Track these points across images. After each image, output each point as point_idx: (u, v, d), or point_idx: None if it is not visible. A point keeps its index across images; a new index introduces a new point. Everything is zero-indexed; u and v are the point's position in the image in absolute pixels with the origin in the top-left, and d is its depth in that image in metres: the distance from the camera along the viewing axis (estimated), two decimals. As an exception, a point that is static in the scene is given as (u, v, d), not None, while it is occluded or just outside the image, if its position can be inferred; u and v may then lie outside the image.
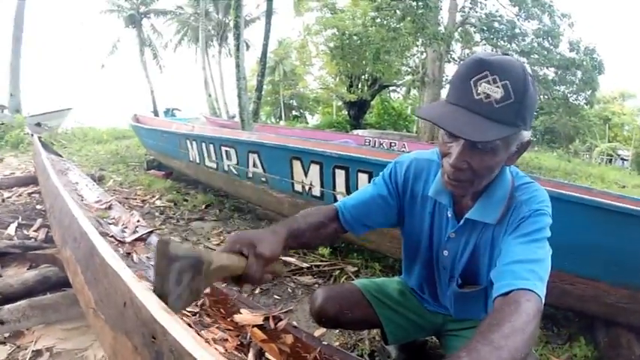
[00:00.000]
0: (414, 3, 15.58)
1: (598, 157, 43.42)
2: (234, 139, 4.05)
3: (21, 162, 7.37)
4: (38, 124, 11.69)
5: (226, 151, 4.11)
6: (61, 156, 6.66)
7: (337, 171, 2.99)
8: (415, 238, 1.40)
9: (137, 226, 3.41)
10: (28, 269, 2.83)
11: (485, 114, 0.96)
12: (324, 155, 3.06)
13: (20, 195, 4.91)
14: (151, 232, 3.28)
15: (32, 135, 8.77)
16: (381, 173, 1.41)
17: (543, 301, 0.96)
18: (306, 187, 3.31)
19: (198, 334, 1.66)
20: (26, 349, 2.02)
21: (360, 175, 2.85)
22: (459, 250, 1.30)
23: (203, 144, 4.50)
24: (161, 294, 0.90)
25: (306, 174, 3.25)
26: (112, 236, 3.11)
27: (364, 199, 1.37)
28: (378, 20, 17.63)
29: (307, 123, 33.09)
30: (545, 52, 17.90)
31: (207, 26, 24.63)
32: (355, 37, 17.33)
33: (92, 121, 15.34)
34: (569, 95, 20.27)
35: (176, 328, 0.82)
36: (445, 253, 1.33)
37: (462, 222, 1.25)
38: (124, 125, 15.11)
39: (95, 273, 1.41)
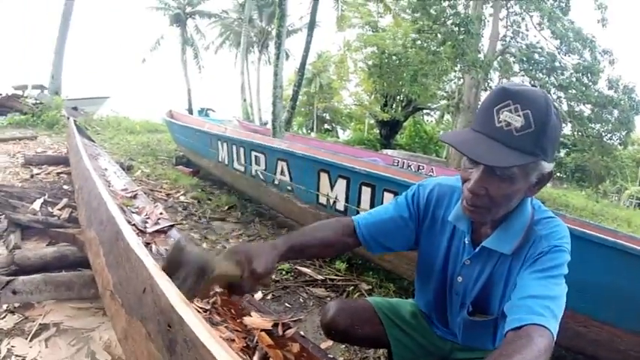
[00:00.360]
0: (456, 28, 15.56)
1: (627, 200, 42.29)
2: (265, 145, 4.05)
3: (54, 142, 7.58)
4: (75, 108, 11.96)
5: (256, 156, 4.13)
6: (93, 141, 6.80)
7: (364, 188, 2.98)
8: (430, 262, 1.39)
9: (159, 219, 3.44)
10: (47, 245, 2.88)
11: (504, 141, 0.97)
12: (352, 171, 3.05)
13: (49, 173, 5.05)
14: (172, 225, 3.30)
15: (68, 118, 9.03)
16: (404, 194, 1.40)
17: (555, 338, 0.94)
18: (331, 201, 3.29)
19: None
20: (34, 322, 2.05)
21: (386, 194, 2.84)
22: (473, 278, 1.28)
23: (234, 146, 4.53)
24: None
25: (332, 187, 3.25)
26: (133, 224, 3.14)
27: (384, 218, 1.36)
28: (419, 42, 17.68)
29: (338, 137, 33.23)
30: (584, 88, 17.62)
31: (250, 32, 24.97)
32: (394, 57, 17.38)
33: (127, 111, 15.62)
34: (603, 134, 19.88)
35: (193, 319, 0.84)
36: (459, 279, 1.31)
37: (477, 249, 1.24)
38: (158, 120, 15.44)
39: (118, 257, 1.44)
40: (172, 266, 0.99)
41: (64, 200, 3.77)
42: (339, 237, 1.34)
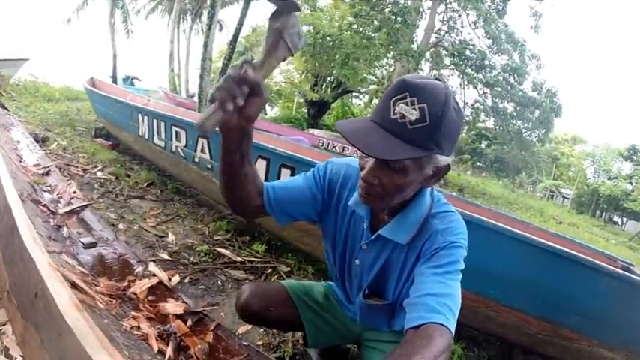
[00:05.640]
0: (393, 17, 15.78)
1: (541, 191, 45.55)
2: (186, 120, 3.91)
3: None
4: None
5: (177, 131, 3.99)
6: (7, 109, 6.32)
7: (283, 170, 2.97)
8: (333, 241, 1.42)
9: (73, 198, 3.28)
10: None
11: (397, 134, 0.97)
12: (272, 152, 3.03)
13: None
14: (86, 206, 3.16)
15: None
16: (313, 168, 1.40)
17: (453, 334, 0.97)
18: (251, 182, 3.26)
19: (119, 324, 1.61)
20: None
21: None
22: (369, 262, 1.32)
23: (155, 120, 4.36)
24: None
25: (253, 168, 3.21)
26: (44, 205, 2.97)
27: (292, 186, 1.36)
28: (355, 26, 17.73)
29: (266, 114, 32.89)
30: (509, 87, 18.69)
31: (184, -1, 23.93)
32: (329, 39, 17.34)
33: (48, 76, 14.59)
34: (523, 131, 21.24)
35: (82, 328, 0.81)
36: (357, 262, 1.35)
37: (374, 237, 1.27)
38: (80, 86, 14.54)
39: (13, 254, 1.35)
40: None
41: None
42: (254, 186, 1.27)
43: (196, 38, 27.34)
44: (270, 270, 3.15)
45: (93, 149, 5.78)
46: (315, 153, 4.53)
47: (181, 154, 4.00)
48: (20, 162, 3.86)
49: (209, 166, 3.67)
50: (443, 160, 1.06)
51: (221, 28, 26.67)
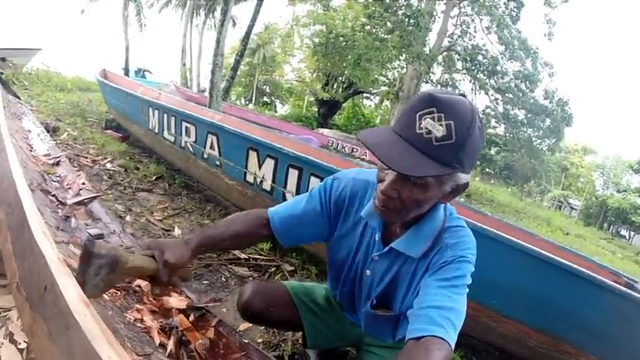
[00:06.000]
0: (406, 19, 15.76)
1: (549, 201, 45.31)
2: (196, 117, 3.94)
3: None
4: (3, 59, 10.99)
5: (186, 127, 4.02)
6: (19, 98, 6.37)
7: (291, 170, 2.99)
8: (342, 254, 1.42)
9: (81, 189, 3.30)
10: None
11: (422, 149, 0.96)
12: (280, 152, 3.04)
13: None
14: (95, 197, 3.18)
15: None
16: (318, 187, 1.41)
17: (453, 348, 0.98)
18: (258, 180, 3.28)
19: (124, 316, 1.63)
20: None
21: (313, 178, 2.86)
22: (379, 274, 1.32)
23: (165, 115, 4.39)
24: (80, 281, 1.02)
25: (260, 166, 3.23)
26: (53, 195, 2.99)
27: (297, 212, 1.38)
28: (368, 27, 17.76)
29: (276, 111, 32.96)
30: (521, 94, 18.60)
31: (197, -6, 24.01)
32: (341, 39, 17.38)
33: (60, 66, 14.70)
34: (534, 139, 21.10)
35: (88, 323, 0.83)
36: (367, 272, 1.36)
37: (386, 249, 1.27)
38: (91, 77, 14.60)
39: (23, 247, 1.36)
40: (86, 259, 1.04)
41: None
42: (253, 229, 1.36)
43: (209, 33, 27.52)
44: (274, 269, 3.16)
45: (103, 141, 5.82)
46: (323, 154, 4.52)
47: (190, 149, 4.03)
48: (30, 151, 3.90)
49: (217, 162, 3.69)
50: (463, 177, 1.06)
51: (234, 24, 26.70)
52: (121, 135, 6.30)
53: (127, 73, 18.46)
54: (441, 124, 0.95)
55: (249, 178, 3.36)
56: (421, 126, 0.96)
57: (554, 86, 19.85)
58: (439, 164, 0.97)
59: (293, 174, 2.97)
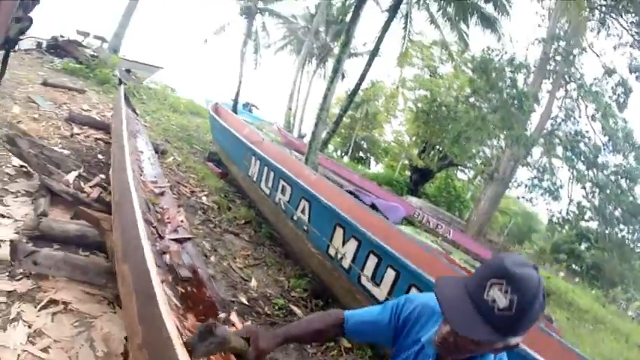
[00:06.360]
0: (510, 100, 15.52)
1: (635, 311, 41.15)
2: (294, 180, 4.15)
3: (100, 101, 7.66)
4: (128, 71, 12.13)
5: (283, 186, 4.24)
6: (137, 114, 7.00)
7: (371, 255, 3.08)
8: None
9: (179, 226, 3.57)
10: (71, 218, 2.98)
11: (484, 313, 1.08)
12: (364, 236, 3.15)
13: (88, 136, 5.18)
14: (189, 239, 3.43)
15: (120, 81, 9.22)
16: (392, 302, 1.55)
17: None
18: (339, 256, 3.40)
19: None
20: (45, 292, 2.20)
21: (389, 270, 2.94)
22: None
23: (266, 167, 4.66)
24: (191, 348, 1.27)
25: (343, 243, 3.35)
26: (154, 226, 3.28)
27: (369, 319, 1.55)
28: (472, 100, 17.66)
29: (369, 168, 33.25)
30: (619, 192, 17.39)
31: (313, 44, 25.08)
32: (444, 108, 17.46)
33: (177, 87, 15.92)
34: (628, 241, 19.52)
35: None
36: None
37: None
38: (203, 102, 15.68)
39: (133, 269, 1.73)
40: (201, 336, 1.26)
41: (97, 178, 3.87)
42: (329, 328, 1.55)
43: (318, 81, 28.64)
44: (332, 343, 3.21)
45: (203, 173, 6.21)
46: (405, 242, 4.23)
47: (283, 207, 4.22)
48: (141, 174, 4.28)
49: (305, 227, 3.84)
50: (514, 340, 1.15)
51: (343, 78, 27.68)
52: (220, 171, 6.67)
53: (235, 105, 19.60)
54: (505, 297, 1.06)
55: (331, 252, 3.48)
56: (489, 294, 1.08)
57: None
58: (494, 331, 1.08)
59: (372, 260, 3.08)
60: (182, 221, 3.69)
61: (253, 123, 20.51)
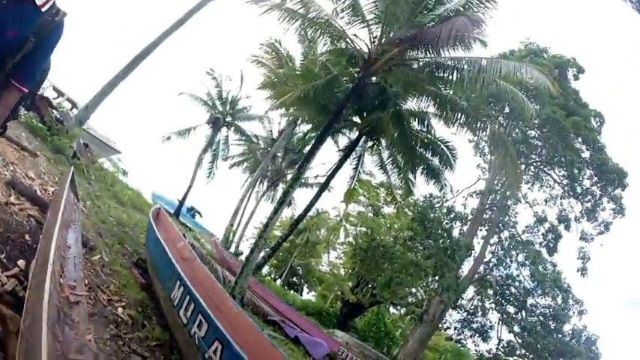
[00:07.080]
0: (444, 251, 16.35)
1: None
2: (212, 319, 4.16)
3: (49, 171, 7.47)
4: (86, 145, 12.01)
5: (201, 320, 4.21)
6: (78, 200, 6.80)
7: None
8: None
9: (85, 345, 3.46)
10: None
11: None
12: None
13: (22, 210, 4.98)
14: (92, 361, 3.32)
15: (74, 156, 8.97)
16: None
17: None
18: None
19: None
20: None
21: None
22: None
23: (188, 296, 4.63)
24: None
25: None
26: (60, 341, 3.17)
27: None
28: (409, 243, 18.40)
29: (302, 295, 32.97)
30: (546, 334, 18.11)
31: (268, 166, 25.69)
32: (382, 248, 18.01)
33: (132, 169, 15.85)
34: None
35: None
36: None
37: None
38: (150, 192, 15.55)
39: None
40: None
41: (16, 269, 3.68)
42: None
43: (265, 204, 28.85)
44: None
45: (126, 280, 5.97)
46: None
47: (197, 341, 4.15)
48: (61, 275, 4.16)
49: (216, 370, 3.79)
50: None
51: (290, 204, 28.30)
52: (144, 282, 6.40)
53: (180, 207, 19.60)
54: None
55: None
56: None
57: (582, 324, 19.42)
58: None
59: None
60: (89, 341, 3.59)
61: (193, 230, 20.51)
